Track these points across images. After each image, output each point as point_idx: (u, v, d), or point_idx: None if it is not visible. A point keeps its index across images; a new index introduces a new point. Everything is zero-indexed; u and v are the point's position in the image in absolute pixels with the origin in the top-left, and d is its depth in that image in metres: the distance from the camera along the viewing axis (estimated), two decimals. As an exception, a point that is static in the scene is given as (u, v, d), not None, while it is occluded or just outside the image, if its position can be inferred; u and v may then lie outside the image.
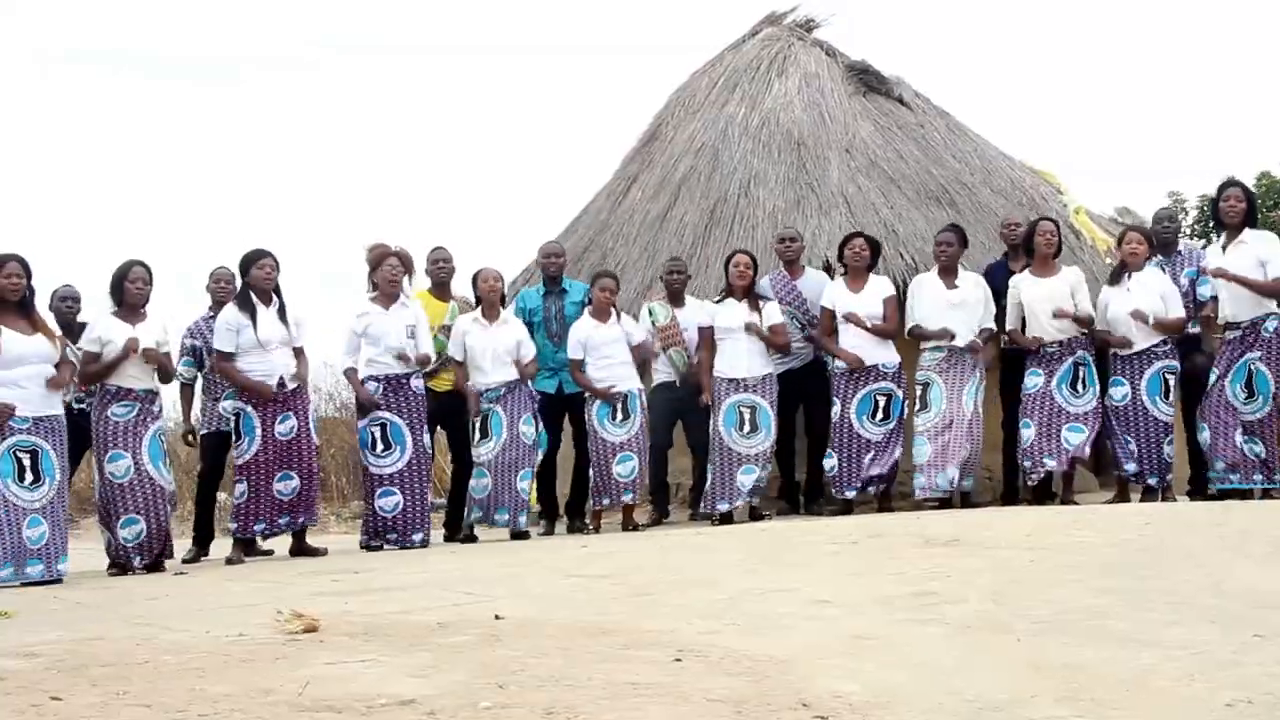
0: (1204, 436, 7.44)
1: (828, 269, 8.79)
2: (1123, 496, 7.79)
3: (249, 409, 7.23)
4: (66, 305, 7.78)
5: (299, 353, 7.43)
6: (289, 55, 38.59)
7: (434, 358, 7.84)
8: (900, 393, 7.90)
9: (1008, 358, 8.12)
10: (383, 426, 7.57)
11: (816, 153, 10.06)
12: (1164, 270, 7.93)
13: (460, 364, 7.84)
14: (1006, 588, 4.56)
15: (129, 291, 7.02)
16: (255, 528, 7.33)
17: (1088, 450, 7.73)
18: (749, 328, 7.82)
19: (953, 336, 7.77)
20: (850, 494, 7.90)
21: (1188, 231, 16.25)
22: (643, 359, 8.17)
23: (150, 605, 5.22)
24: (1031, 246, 7.92)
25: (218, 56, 36.77)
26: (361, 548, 7.68)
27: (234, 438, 7.34)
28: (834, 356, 7.98)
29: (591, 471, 8.03)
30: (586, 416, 8.00)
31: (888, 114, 10.60)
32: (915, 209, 9.66)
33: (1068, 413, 7.67)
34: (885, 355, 7.92)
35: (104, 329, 6.96)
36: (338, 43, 40.24)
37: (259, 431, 7.19)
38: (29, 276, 6.63)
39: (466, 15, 40.23)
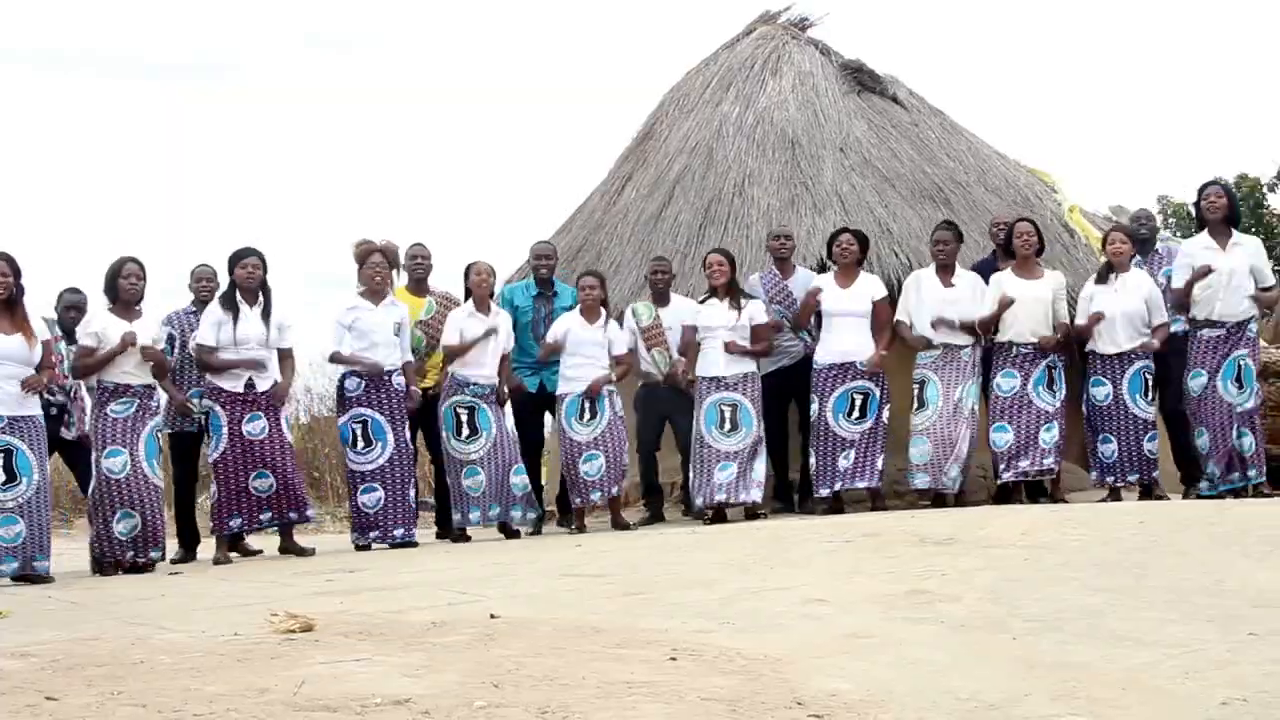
0: (1202, 441, 7.48)
1: (822, 268, 8.78)
2: (1115, 495, 7.80)
3: (216, 407, 7.24)
4: (70, 315, 7.73)
5: (284, 356, 7.42)
6: (283, 55, 38.57)
7: (411, 359, 7.83)
8: (878, 392, 7.89)
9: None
10: (364, 423, 7.57)
11: (811, 152, 10.05)
12: (1140, 268, 7.98)
13: (460, 347, 7.78)
14: (1002, 586, 4.57)
15: (123, 288, 7.02)
16: (232, 523, 7.33)
17: (1058, 461, 7.76)
18: (728, 347, 7.81)
19: (958, 327, 7.79)
20: (824, 492, 7.89)
21: (1175, 232, 16.22)
22: (621, 373, 8.14)
23: (144, 605, 5.22)
24: (1011, 248, 7.94)
25: (207, 57, 36.75)
26: (353, 546, 7.67)
27: (205, 436, 7.37)
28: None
29: (563, 470, 8.06)
30: (556, 415, 8.01)
31: (882, 113, 10.59)
32: (909, 208, 9.66)
33: (1046, 413, 7.70)
34: (864, 353, 7.90)
35: (100, 324, 6.96)
36: (326, 41, 40.22)
37: (225, 430, 7.20)
38: (17, 275, 6.61)
39: (458, 13, 40.22)
